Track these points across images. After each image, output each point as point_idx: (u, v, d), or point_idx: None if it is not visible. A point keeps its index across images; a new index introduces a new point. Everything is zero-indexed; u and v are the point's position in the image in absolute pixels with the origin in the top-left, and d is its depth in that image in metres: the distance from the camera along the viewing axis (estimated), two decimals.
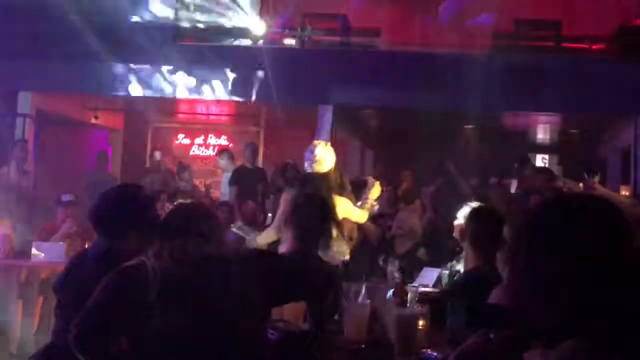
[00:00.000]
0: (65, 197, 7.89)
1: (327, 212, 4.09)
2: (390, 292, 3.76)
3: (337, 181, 5.77)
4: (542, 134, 12.83)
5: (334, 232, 4.48)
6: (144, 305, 2.64)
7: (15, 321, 6.51)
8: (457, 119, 11.36)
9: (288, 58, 9.59)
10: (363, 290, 3.38)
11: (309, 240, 3.73)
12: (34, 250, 6.84)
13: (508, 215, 6.98)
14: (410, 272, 5.55)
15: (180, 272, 2.71)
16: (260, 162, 11.33)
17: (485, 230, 3.78)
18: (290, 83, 9.36)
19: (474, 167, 11.17)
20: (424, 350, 3.05)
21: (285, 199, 5.60)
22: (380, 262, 5.69)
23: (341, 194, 5.66)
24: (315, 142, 6.21)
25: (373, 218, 7.35)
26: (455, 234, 4.13)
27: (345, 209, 5.57)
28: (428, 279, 5.33)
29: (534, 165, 10.99)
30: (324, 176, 5.64)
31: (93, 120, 11.38)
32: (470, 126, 12.09)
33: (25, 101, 9.67)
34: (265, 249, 4.84)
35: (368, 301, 3.33)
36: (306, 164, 5.83)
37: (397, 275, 5.85)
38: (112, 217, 3.15)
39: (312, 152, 5.80)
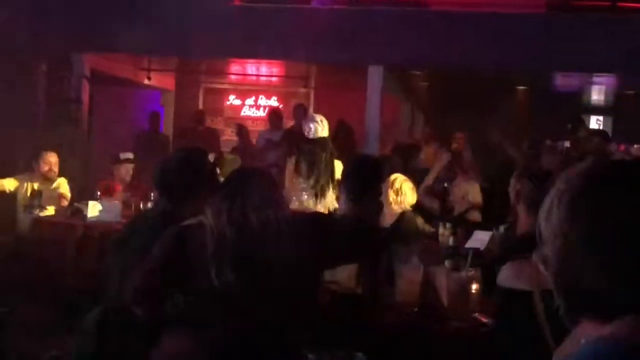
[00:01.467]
0: (123, 155, 8.04)
1: (380, 173, 4.09)
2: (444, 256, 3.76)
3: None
4: (596, 96, 12.58)
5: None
6: (200, 263, 2.70)
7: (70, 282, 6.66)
8: (510, 80, 11.23)
9: (338, 17, 9.53)
10: (415, 254, 3.41)
11: (362, 202, 3.75)
12: (90, 209, 6.97)
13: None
14: (462, 234, 5.57)
15: (237, 233, 2.75)
16: None
17: (539, 193, 3.78)
18: (340, 43, 9.33)
19: (527, 129, 11.06)
20: (475, 315, 3.08)
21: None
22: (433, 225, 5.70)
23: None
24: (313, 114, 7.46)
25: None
26: (512, 195, 4.09)
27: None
28: (480, 241, 5.33)
29: (588, 127, 10.84)
30: (327, 140, 6.86)
31: (146, 81, 11.50)
32: (523, 87, 11.93)
33: (79, 62, 9.81)
34: (321, 211, 4.91)
35: (420, 264, 3.36)
36: (311, 130, 6.83)
37: (450, 238, 5.87)
38: (176, 181, 3.23)
39: (315, 120, 6.90)
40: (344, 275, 3.53)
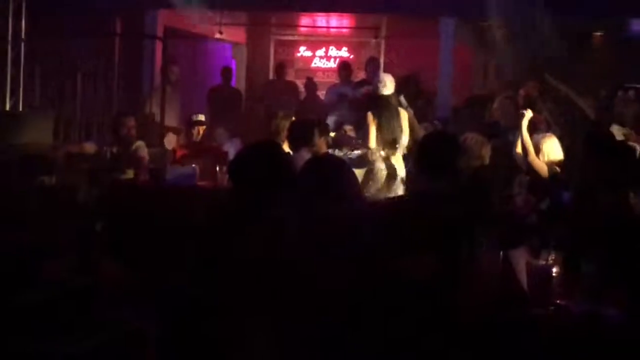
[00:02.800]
0: (195, 117, 8.15)
1: (457, 149, 4.04)
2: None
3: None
4: None
5: None
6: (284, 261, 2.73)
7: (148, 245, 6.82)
8: (586, 26, 10.88)
9: None
10: (495, 237, 3.38)
11: (440, 180, 3.72)
12: (168, 173, 7.11)
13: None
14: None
15: (314, 231, 2.76)
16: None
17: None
18: None
19: (604, 77, 10.73)
20: (559, 302, 3.07)
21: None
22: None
23: None
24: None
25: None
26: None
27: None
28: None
29: None
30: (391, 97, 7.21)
31: (217, 35, 11.54)
32: (599, 33, 11.55)
33: (152, 19, 9.91)
34: (395, 198, 4.91)
35: (500, 249, 3.34)
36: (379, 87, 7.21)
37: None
38: (252, 175, 3.25)
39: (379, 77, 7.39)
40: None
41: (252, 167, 3.22)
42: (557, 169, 5.79)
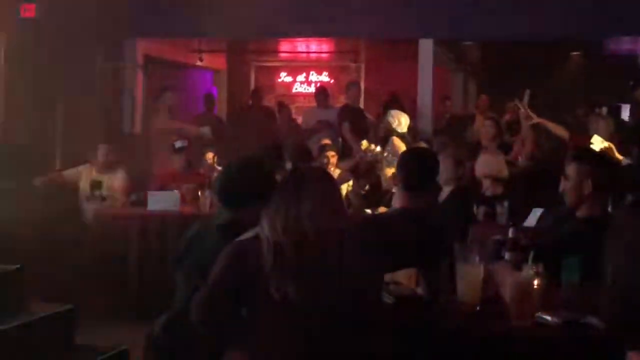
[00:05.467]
0: (178, 144, 8.14)
1: (437, 166, 4.07)
2: (505, 253, 3.72)
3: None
4: None
5: None
6: (259, 277, 2.72)
7: (133, 272, 6.81)
8: (563, 46, 11.02)
9: None
10: (475, 250, 3.38)
11: (419, 197, 3.74)
12: (149, 199, 7.09)
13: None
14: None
15: (293, 244, 2.75)
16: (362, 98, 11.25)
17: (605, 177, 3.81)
18: (389, 17, 9.26)
19: (581, 95, 10.86)
20: (539, 314, 3.06)
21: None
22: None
23: None
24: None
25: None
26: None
27: None
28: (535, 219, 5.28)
29: None
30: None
31: (198, 62, 11.58)
32: (576, 53, 11.70)
33: (131, 48, 9.91)
34: (376, 213, 4.92)
35: (481, 262, 3.33)
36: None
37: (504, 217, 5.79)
38: (234, 190, 3.28)
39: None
40: (402, 275, 3.54)
41: (233, 184, 3.24)
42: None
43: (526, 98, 8.04)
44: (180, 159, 8.01)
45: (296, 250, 2.75)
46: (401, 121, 7.45)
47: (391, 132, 7.40)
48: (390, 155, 7.11)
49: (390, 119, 7.48)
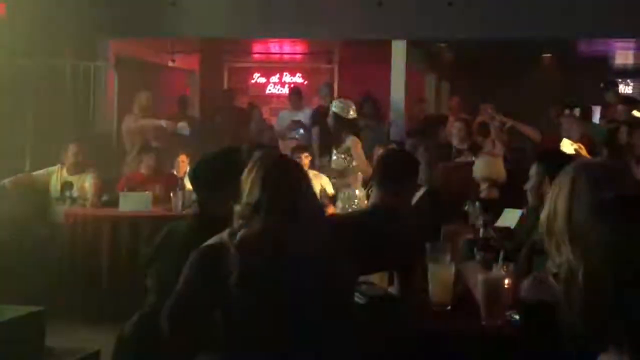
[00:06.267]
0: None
1: (413, 166, 4.05)
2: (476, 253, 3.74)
3: None
4: (623, 61, 12.41)
5: None
6: (227, 281, 2.67)
7: (104, 274, 6.77)
8: (535, 47, 11.10)
9: None
10: (446, 250, 3.39)
11: (393, 196, 3.73)
12: (121, 200, 7.05)
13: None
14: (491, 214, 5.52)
15: (260, 245, 2.71)
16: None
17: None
18: (362, 18, 9.29)
19: (552, 96, 10.94)
20: (509, 313, 3.08)
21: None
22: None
23: None
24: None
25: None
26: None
27: None
28: (509, 221, 5.28)
29: (617, 92, 10.65)
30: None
31: (170, 63, 11.52)
32: (548, 55, 11.79)
33: (104, 48, 9.82)
34: (350, 213, 4.92)
35: (452, 262, 3.35)
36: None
37: (480, 220, 5.80)
38: (207, 179, 3.27)
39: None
40: (375, 274, 3.54)
41: (203, 173, 3.23)
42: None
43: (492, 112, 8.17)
44: (151, 159, 7.89)
45: (265, 251, 2.71)
46: (348, 108, 7.26)
47: (342, 119, 7.16)
48: (348, 158, 7.05)
49: (337, 110, 7.22)
